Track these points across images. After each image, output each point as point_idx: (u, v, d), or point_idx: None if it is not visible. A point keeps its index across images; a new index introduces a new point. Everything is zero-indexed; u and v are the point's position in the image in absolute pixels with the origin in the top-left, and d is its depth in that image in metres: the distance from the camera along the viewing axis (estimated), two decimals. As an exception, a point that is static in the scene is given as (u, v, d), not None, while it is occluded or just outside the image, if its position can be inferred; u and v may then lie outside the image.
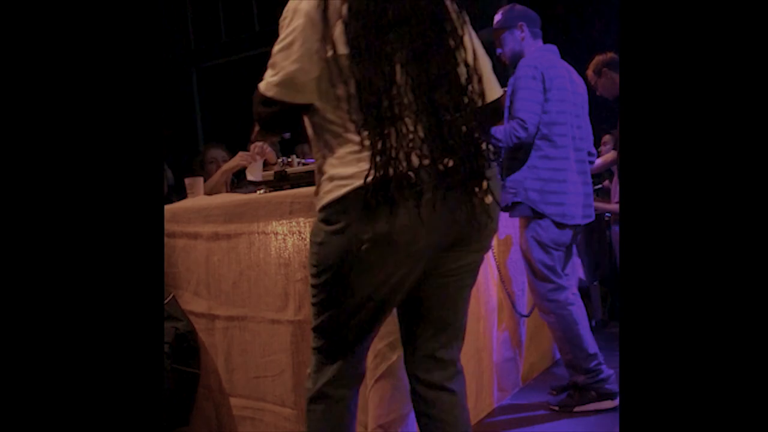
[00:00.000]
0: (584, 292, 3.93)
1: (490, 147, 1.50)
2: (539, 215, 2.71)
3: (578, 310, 2.76)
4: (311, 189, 1.66)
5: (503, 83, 1.69)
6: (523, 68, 2.72)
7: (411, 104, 1.41)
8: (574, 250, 2.96)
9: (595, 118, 3.01)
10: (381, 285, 1.45)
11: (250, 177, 2.83)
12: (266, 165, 2.86)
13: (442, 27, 1.47)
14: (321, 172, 1.51)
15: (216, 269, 2.40)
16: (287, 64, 1.45)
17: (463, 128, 1.44)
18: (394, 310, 1.64)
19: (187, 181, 2.79)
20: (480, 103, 1.50)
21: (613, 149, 4.16)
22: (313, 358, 1.62)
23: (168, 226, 2.43)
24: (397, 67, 1.40)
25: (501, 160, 3.05)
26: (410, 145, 1.38)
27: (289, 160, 2.43)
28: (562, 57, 2.84)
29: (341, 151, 1.44)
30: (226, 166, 3.25)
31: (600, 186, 4.66)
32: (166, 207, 2.50)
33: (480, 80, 1.51)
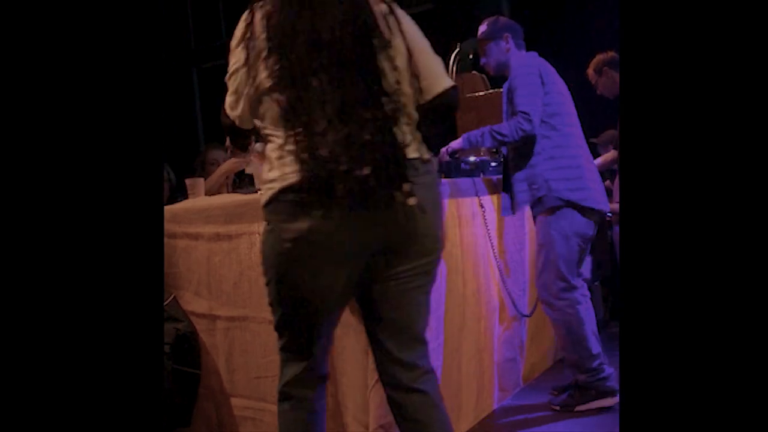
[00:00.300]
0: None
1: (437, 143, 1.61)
2: (564, 205, 2.71)
3: (585, 310, 2.76)
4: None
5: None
6: (518, 67, 2.78)
7: (330, 118, 1.48)
8: (588, 247, 2.95)
9: (595, 118, 3.02)
10: (311, 285, 1.53)
11: (248, 170, 2.86)
12: None
13: (366, 41, 1.53)
14: None
15: (217, 270, 2.40)
16: (230, 89, 1.63)
17: (384, 136, 1.50)
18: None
19: (188, 181, 2.79)
20: (422, 101, 1.59)
21: (614, 148, 4.16)
22: (279, 357, 1.68)
23: (169, 227, 2.43)
24: (317, 87, 1.49)
25: (502, 157, 3.05)
26: (324, 153, 1.46)
27: None
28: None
29: (271, 156, 1.55)
30: (222, 169, 3.25)
31: (601, 186, 4.65)
32: (167, 207, 2.50)
33: (418, 78, 1.58)
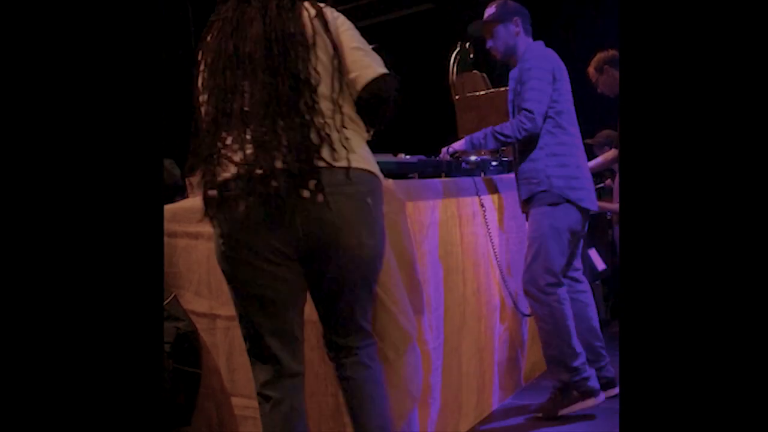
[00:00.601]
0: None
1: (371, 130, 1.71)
2: (563, 202, 2.71)
3: (569, 309, 2.74)
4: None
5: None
6: (533, 60, 2.74)
7: (248, 124, 1.59)
8: (581, 243, 2.95)
9: (590, 118, 3.03)
10: (250, 281, 1.63)
11: None
12: None
13: (287, 48, 1.60)
14: None
15: (217, 269, 2.38)
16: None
17: (297, 137, 1.57)
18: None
19: (188, 180, 2.79)
20: (355, 94, 1.66)
21: (614, 148, 4.15)
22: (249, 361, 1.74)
23: (169, 226, 2.43)
24: (238, 97, 1.61)
25: (502, 155, 3.05)
26: (239, 158, 1.57)
27: None
28: (561, 55, 2.86)
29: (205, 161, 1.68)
30: None
31: (602, 185, 4.64)
32: (167, 207, 2.50)
33: (348, 73, 1.65)
